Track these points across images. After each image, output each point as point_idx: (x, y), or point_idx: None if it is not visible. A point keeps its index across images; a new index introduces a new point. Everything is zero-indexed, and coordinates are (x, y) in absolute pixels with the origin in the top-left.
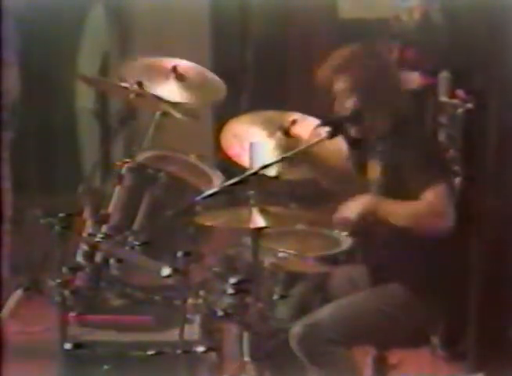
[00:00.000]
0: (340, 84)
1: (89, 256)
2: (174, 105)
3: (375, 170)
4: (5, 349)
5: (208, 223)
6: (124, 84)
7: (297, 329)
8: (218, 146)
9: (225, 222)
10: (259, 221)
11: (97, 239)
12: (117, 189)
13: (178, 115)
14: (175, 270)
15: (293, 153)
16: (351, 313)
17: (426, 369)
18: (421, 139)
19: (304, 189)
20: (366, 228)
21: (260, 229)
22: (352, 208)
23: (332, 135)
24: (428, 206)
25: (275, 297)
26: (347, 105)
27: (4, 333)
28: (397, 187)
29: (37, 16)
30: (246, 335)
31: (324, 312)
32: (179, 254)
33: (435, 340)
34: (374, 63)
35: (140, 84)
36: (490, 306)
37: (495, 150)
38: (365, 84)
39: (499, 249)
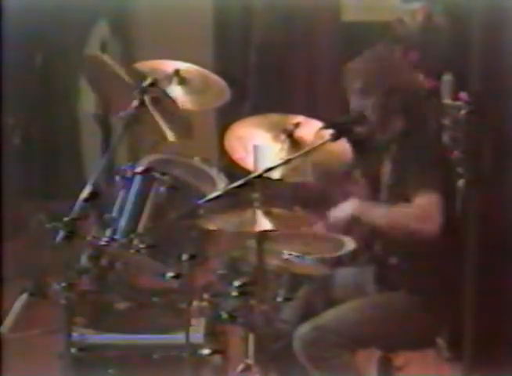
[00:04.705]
0: (357, 85)
1: (94, 259)
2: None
3: (386, 173)
4: (9, 353)
5: (212, 227)
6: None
7: (302, 332)
8: (222, 150)
9: (230, 226)
10: (264, 223)
11: (102, 242)
12: (122, 192)
13: (171, 138)
14: (180, 273)
15: (297, 156)
16: (358, 317)
17: (431, 370)
18: (424, 146)
19: (308, 191)
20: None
21: (265, 231)
22: (341, 211)
23: (336, 138)
24: (415, 209)
25: (280, 299)
26: (358, 105)
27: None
28: (404, 190)
29: (43, 24)
30: (250, 338)
31: (330, 316)
32: (184, 257)
33: (441, 341)
34: (389, 64)
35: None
36: (489, 309)
37: (497, 152)
38: (379, 83)
39: (501, 251)
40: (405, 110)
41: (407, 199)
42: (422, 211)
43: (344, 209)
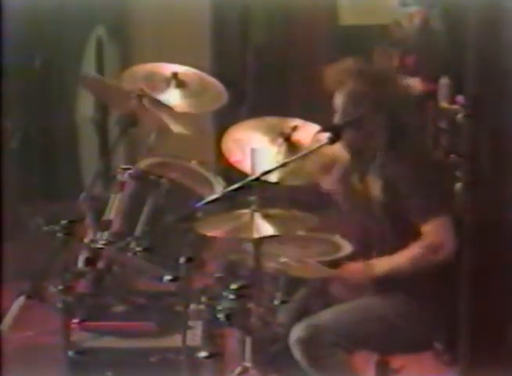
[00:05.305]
0: (345, 91)
1: (91, 262)
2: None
3: (376, 186)
4: (6, 357)
5: (210, 233)
6: (127, 89)
7: (299, 331)
8: (219, 153)
9: (227, 231)
10: (261, 227)
11: (99, 245)
12: (119, 195)
13: (175, 129)
14: (177, 276)
15: (294, 159)
16: (354, 318)
17: (428, 373)
18: (420, 160)
19: (305, 195)
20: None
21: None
22: (351, 276)
23: (333, 141)
24: (426, 245)
25: (277, 302)
26: (348, 113)
27: (5, 340)
28: (396, 205)
29: (43, 25)
30: (248, 340)
31: (327, 315)
32: (181, 260)
33: (438, 344)
34: (377, 72)
35: (142, 91)
36: (487, 312)
37: (495, 155)
38: (369, 92)
39: (501, 256)
40: (393, 120)
41: (399, 217)
42: (432, 242)
43: (353, 275)
